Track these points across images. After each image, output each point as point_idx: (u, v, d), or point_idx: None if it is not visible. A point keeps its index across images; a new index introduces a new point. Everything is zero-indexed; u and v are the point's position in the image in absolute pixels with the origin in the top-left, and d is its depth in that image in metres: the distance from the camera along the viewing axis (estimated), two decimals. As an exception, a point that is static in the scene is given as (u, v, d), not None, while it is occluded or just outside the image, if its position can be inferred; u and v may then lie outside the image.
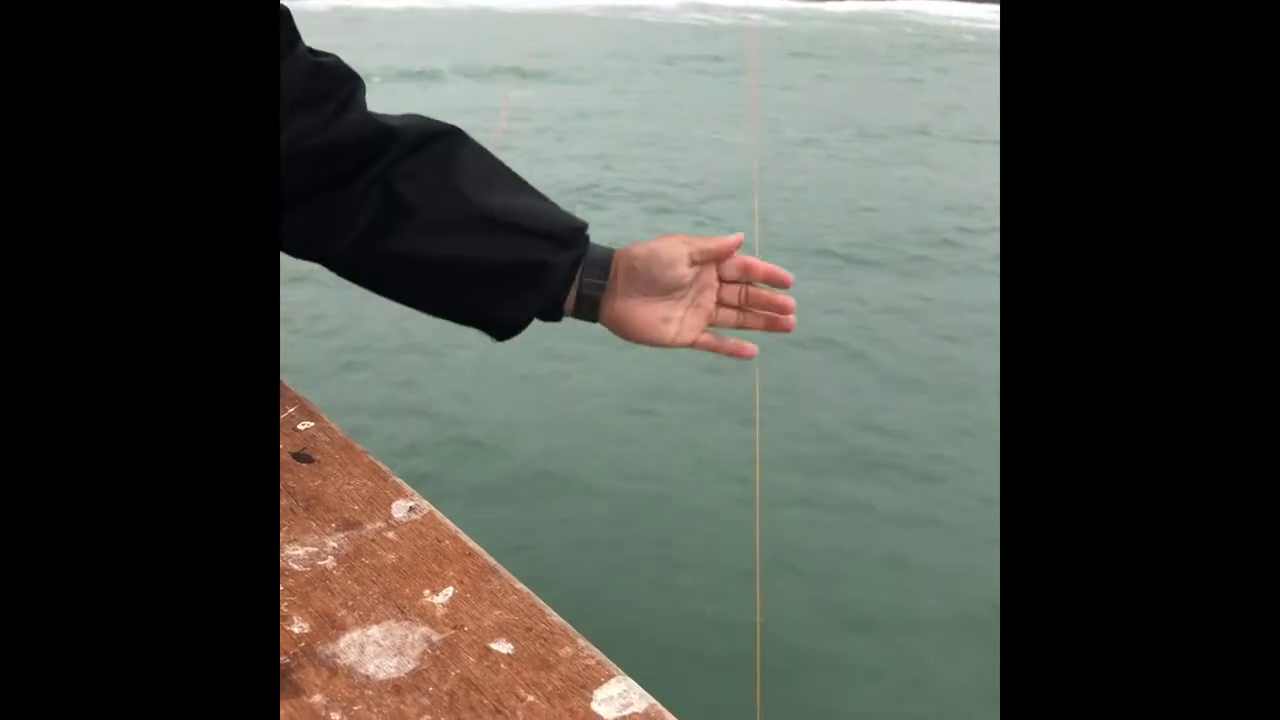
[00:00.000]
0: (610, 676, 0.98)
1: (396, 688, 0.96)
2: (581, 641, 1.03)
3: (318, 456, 1.34)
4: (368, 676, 0.98)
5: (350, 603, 1.08)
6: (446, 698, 0.95)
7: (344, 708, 0.94)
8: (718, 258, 1.26)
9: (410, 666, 0.99)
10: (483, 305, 1.28)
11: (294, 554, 1.15)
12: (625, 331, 1.27)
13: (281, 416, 1.44)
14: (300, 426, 1.41)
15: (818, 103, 18.05)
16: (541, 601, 1.09)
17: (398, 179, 1.21)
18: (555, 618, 1.06)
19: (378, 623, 1.05)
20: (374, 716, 0.93)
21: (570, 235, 1.25)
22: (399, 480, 1.30)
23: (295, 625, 1.04)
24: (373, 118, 1.24)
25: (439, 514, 1.23)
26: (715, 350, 1.29)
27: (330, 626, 1.04)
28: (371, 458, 1.34)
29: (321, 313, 7.33)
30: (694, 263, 1.24)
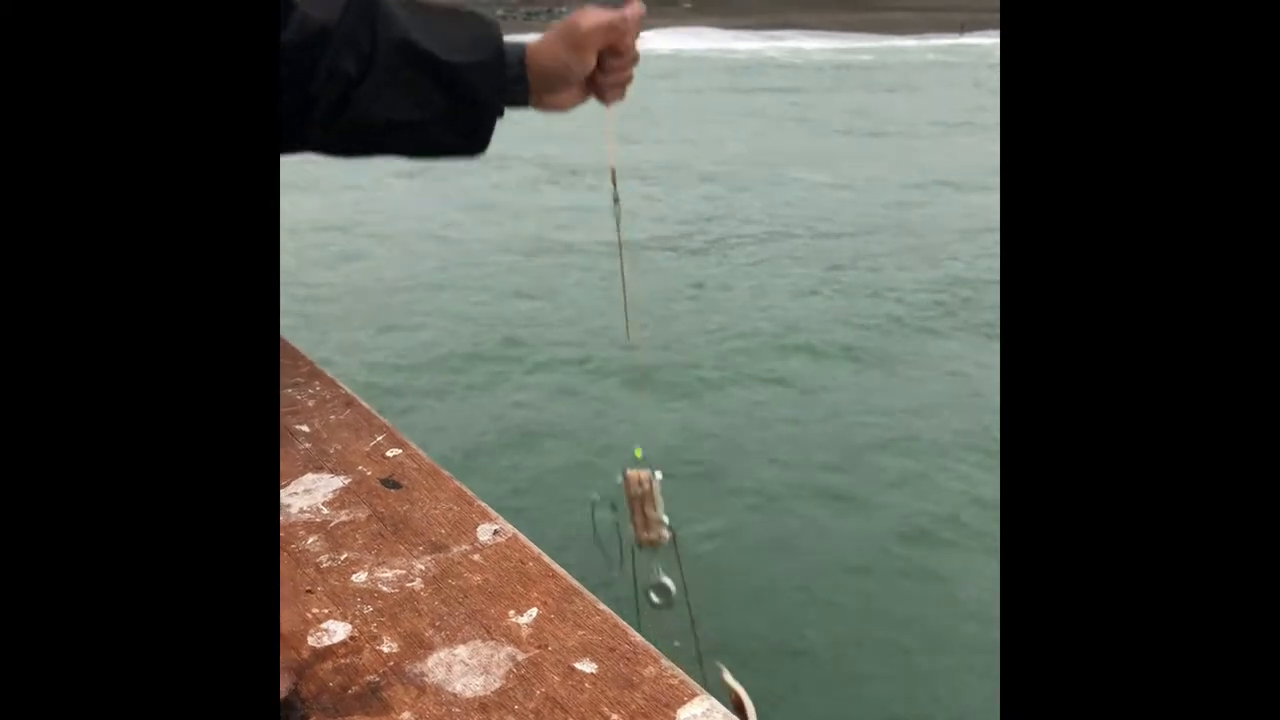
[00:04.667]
0: (693, 696, 0.98)
1: (483, 705, 0.98)
2: (664, 662, 1.03)
3: (405, 482, 1.37)
4: (455, 694, 0.99)
5: (437, 623, 1.10)
6: (532, 715, 0.96)
7: (432, 724, 0.96)
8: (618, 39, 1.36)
9: (496, 685, 1.01)
10: (442, 144, 1.38)
11: (383, 576, 1.18)
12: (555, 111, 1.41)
13: (370, 444, 1.48)
14: (389, 454, 1.45)
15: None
16: (624, 622, 1.10)
17: (343, 58, 1.27)
18: (638, 638, 1.07)
19: (464, 642, 1.07)
20: (461, 733, 0.95)
21: (494, 62, 1.34)
22: (484, 505, 1.32)
23: (384, 645, 1.07)
24: (306, 12, 1.28)
25: (523, 537, 1.25)
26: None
27: (418, 646, 1.06)
28: (457, 483, 1.36)
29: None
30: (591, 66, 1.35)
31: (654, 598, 1.21)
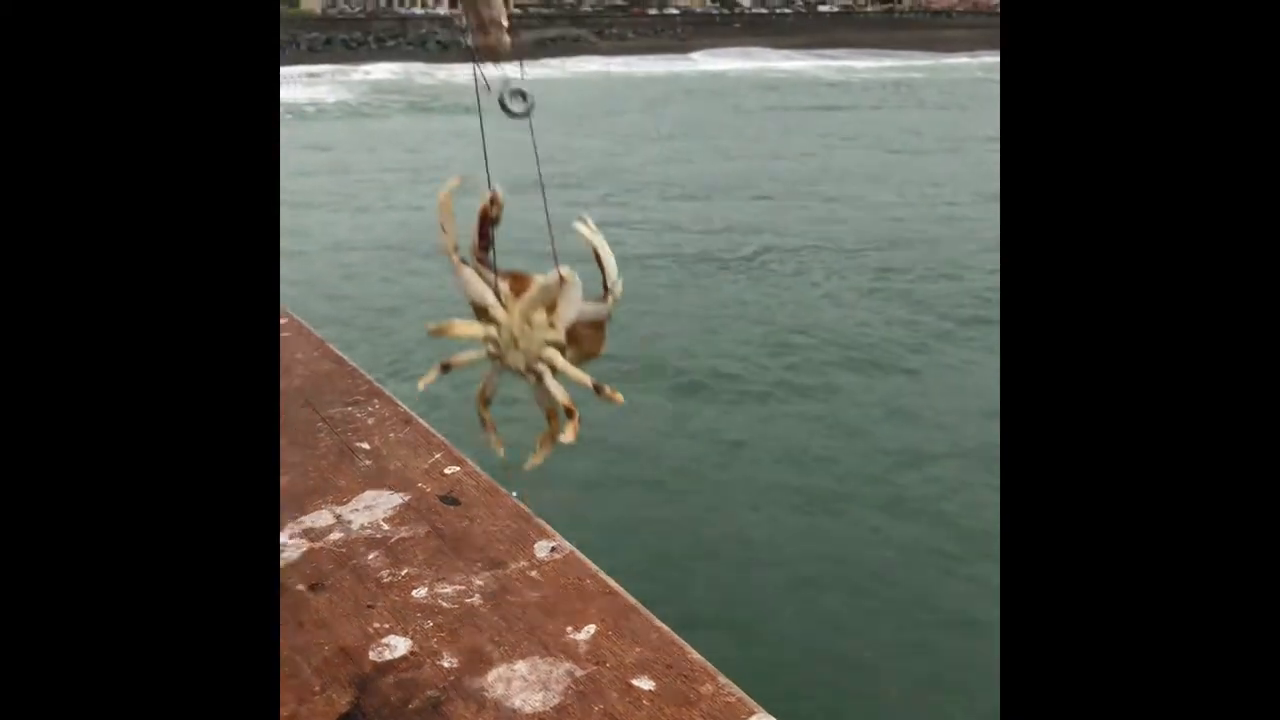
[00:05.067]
0: (751, 714, 0.98)
1: (542, 721, 0.99)
2: (722, 679, 1.03)
3: (463, 499, 1.39)
4: (514, 710, 1.00)
5: (496, 639, 1.11)
6: (591, 732, 0.97)
7: (492, 739, 0.97)
8: None
9: (555, 701, 1.01)
10: None
11: (443, 591, 1.19)
12: None
13: (429, 461, 1.50)
14: (447, 471, 1.47)
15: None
16: (681, 639, 1.10)
17: None
18: (695, 655, 1.07)
19: (523, 658, 1.08)
20: (521, 748, 0.96)
21: None
22: (541, 522, 1.33)
23: (445, 660, 1.08)
24: None
25: (580, 554, 1.26)
26: None
27: (478, 661, 1.08)
28: (514, 500, 1.38)
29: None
30: None
31: (513, 107, 1.07)
